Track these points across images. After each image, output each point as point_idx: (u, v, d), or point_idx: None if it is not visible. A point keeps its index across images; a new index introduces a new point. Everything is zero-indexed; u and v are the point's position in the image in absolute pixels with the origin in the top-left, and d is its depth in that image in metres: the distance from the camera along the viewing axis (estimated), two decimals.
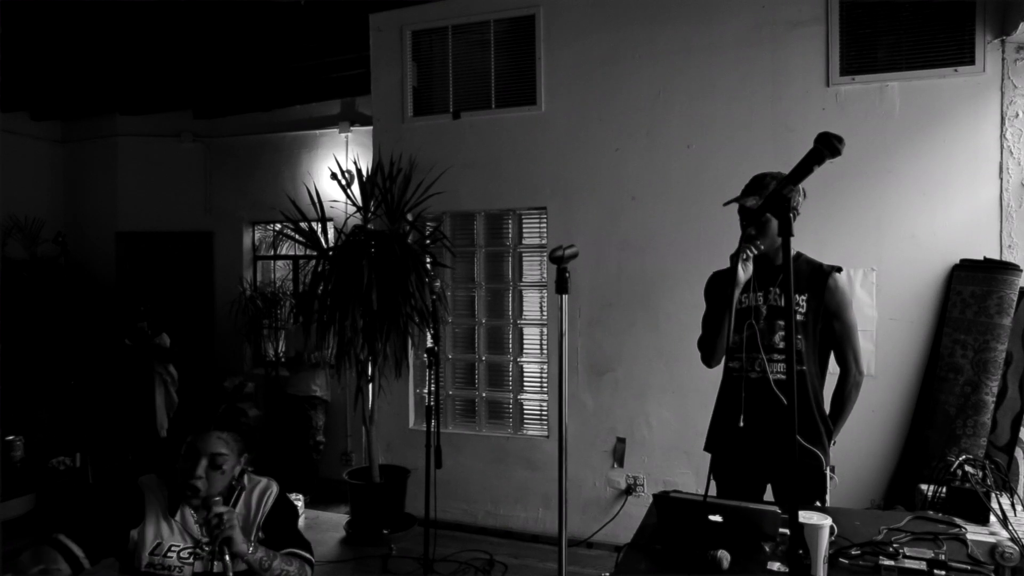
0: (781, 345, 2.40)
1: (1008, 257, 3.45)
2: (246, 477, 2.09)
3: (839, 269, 2.47)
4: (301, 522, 4.55)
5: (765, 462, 2.45)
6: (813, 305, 2.42)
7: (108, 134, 6.63)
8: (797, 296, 2.41)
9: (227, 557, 1.85)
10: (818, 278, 2.44)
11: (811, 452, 2.38)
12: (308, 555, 2.06)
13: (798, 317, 2.41)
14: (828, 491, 2.46)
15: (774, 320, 2.42)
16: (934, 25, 3.56)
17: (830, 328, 2.45)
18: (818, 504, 2.39)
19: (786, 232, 1.40)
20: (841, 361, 2.50)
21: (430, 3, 4.52)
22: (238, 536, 1.87)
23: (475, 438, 4.55)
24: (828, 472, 2.43)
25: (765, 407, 2.39)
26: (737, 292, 2.36)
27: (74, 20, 4.39)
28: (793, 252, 2.46)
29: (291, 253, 6.70)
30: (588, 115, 4.21)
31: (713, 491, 2.56)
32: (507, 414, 4.57)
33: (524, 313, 4.53)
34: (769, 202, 1.50)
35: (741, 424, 2.39)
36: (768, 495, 2.56)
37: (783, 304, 2.40)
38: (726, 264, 2.65)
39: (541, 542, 4.25)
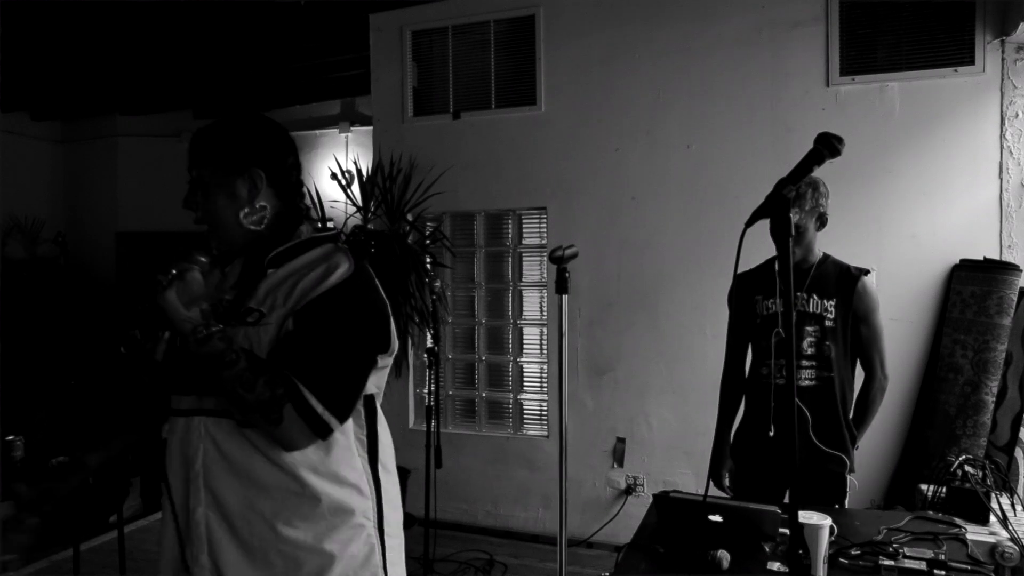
0: (809, 351, 2.39)
1: (1008, 257, 3.45)
2: (322, 244, 1.40)
3: (867, 272, 2.46)
4: None
5: (788, 469, 2.44)
6: (842, 310, 2.40)
7: (108, 134, 6.63)
8: (825, 301, 2.40)
9: (163, 336, 1.29)
10: (847, 282, 2.42)
11: (836, 457, 2.38)
12: (312, 400, 1.26)
13: (827, 323, 2.39)
14: (847, 495, 2.46)
15: (803, 326, 2.40)
16: (934, 25, 3.56)
17: (857, 332, 2.44)
18: (837, 507, 2.39)
19: (786, 232, 1.40)
20: (867, 365, 2.49)
21: (430, 3, 4.51)
22: (174, 309, 1.28)
23: (475, 438, 4.54)
24: (850, 477, 2.43)
25: (791, 414, 2.38)
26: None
27: (74, 20, 4.38)
28: (820, 254, 2.49)
29: None
30: (588, 115, 4.21)
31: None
32: (507, 414, 4.56)
33: (524, 313, 4.53)
34: (768, 203, 1.49)
35: (771, 433, 2.37)
36: (786, 499, 2.55)
37: (811, 309, 2.40)
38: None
39: (541, 542, 4.25)
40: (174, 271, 1.31)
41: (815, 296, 2.41)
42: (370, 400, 1.45)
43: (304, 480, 1.32)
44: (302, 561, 1.31)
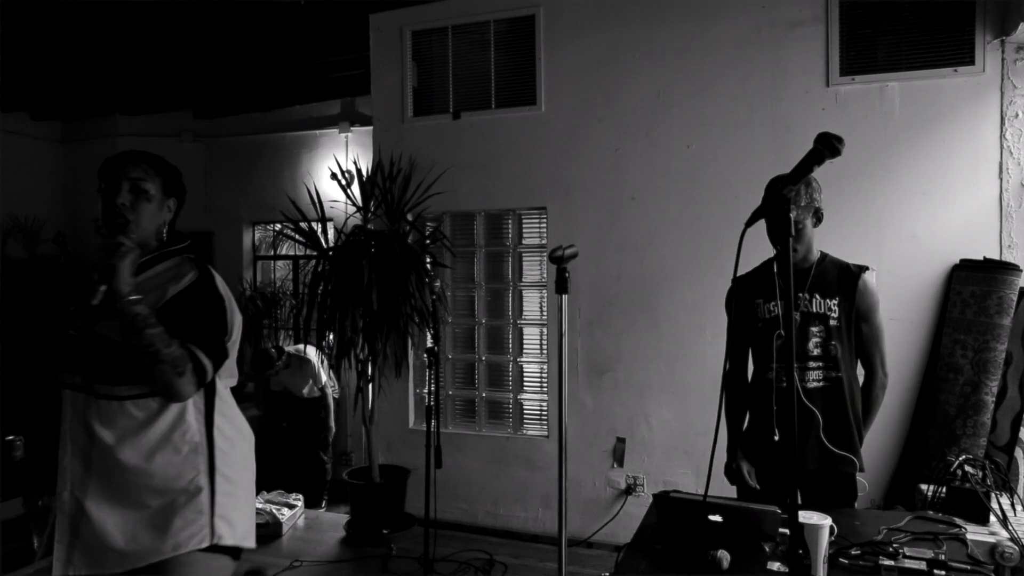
0: (815, 352, 2.35)
1: (1008, 257, 3.45)
2: (178, 259, 1.81)
3: (867, 269, 2.42)
4: (300, 522, 4.56)
5: (794, 472, 2.40)
6: (845, 308, 2.37)
7: (108, 134, 6.63)
8: (828, 300, 2.37)
9: (101, 287, 1.57)
10: (848, 280, 2.39)
11: (847, 458, 2.35)
12: (203, 357, 1.69)
13: (831, 322, 2.36)
14: (858, 496, 2.44)
15: (807, 327, 2.36)
16: (934, 25, 3.56)
17: (858, 331, 2.41)
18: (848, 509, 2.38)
19: (786, 233, 1.40)
20: (867, 364, 2.46)
21: (430, 3, 4.51)
22: (125, 272, 1.61)
23: (475, 438, 4.54)
24: (860, 477, 2.41)
25: (794, 417, 2.35)
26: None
27: (74, 20, 4.39)
28: (818, 253, 2.47)
29: (291, 253, 6.71)
30: (588, 115, 4.21)
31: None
32: (507, 414, 4.57)
33: (524, 313, 4.53)
34: (768, 202, 1.50)
35: (776, 437, 2.34)
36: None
37: (815, 309, 2.37)
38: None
39: (541, 542, 4.25)
40: (125, 244, 1.65)
41: (817, 296, 2.39)
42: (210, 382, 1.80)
43: (164, 423, 1.73)
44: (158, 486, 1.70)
